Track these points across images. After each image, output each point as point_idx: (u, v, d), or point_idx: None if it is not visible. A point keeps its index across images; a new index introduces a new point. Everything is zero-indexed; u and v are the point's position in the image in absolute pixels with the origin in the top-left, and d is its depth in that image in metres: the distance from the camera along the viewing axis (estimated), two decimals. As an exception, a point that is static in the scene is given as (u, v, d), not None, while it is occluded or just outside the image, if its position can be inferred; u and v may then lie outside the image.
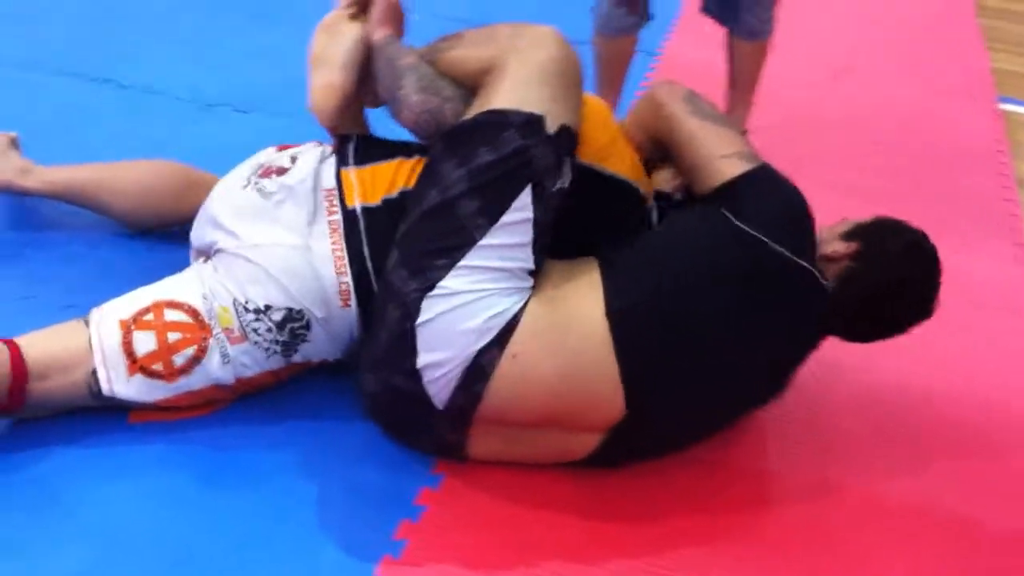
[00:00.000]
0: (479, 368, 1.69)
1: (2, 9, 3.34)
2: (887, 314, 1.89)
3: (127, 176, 2.23)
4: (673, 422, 1.82)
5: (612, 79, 2.87)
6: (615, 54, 2.84)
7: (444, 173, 1.77)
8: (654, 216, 1.98)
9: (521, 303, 1.71)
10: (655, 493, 1.87)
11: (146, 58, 3.12)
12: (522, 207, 1.72)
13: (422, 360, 1.70)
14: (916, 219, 2.72)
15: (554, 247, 1.81)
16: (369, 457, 1.85)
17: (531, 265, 1.74)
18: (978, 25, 4.32)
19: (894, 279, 1.85)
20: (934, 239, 2.58)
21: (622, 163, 1.94)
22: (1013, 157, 3.24)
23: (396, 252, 1.77)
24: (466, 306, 1.68)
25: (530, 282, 1.74)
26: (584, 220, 1.87)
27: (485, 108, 1.79)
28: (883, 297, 1.85)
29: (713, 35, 2.90)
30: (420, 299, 1.69)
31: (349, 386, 1.93)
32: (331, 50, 2.00)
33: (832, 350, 1.95)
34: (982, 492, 1.97)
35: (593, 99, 1.99)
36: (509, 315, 1.70)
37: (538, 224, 1.74)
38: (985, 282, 2.60)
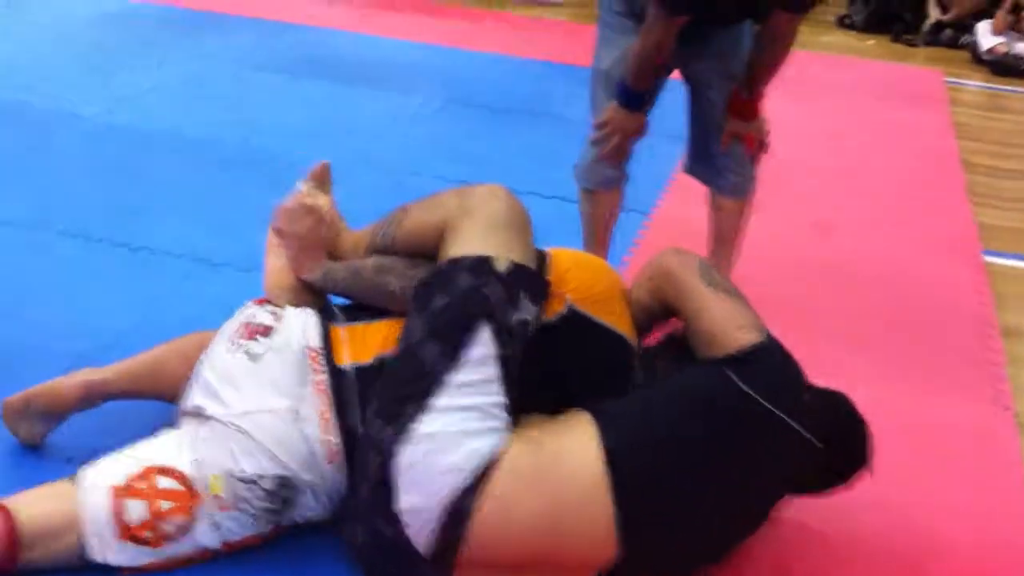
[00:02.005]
0: (459, 511, 1.71)
1: (11, 170, 3.51)
2: (854, 461, 2.01)
3: (172, 360, 2.14)
4: (666, 563, 1.84)
5: (598, 234, 2.97)
6: (600, 209, 2.93)
7: (409, 326, 1.86)
8: (638, 375, 2.03)
9: (500, 443, 1.75)
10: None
11: (151, 218, 3.25)
12: (482, 343, 1.78)
13: (402, 505, 1.73)
14: (901, 369, 2.84)
15: (543, 394, 1.87)
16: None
17: (502, 399, 1.78)
18: (964, 181, 4.44)
19: (856, 435, 2.00)
20: (918, 388, 2.66)
21: (613, 315, 2.02)
22: (996, 308, 3.30)
23: (373, 403, 1.84)
24: (441, 448, 1.72)
25: (505, 419, 1.78)
26: (572, 364, 1.94)
27: (443, 261, 1.90)
28: (852, 448, 1.99)
29: (703, 196, 3.00)
30: (395, 444, 1.74)
31: (335, 539, 1.94)
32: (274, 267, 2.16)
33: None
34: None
35: (597, 259, 2.14)
36: (487, 455, 1.73)
37: (502, 359, 1.79)
38: (965, 430, 2.63)
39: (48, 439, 2.12)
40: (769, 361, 1.91)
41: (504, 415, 1.79)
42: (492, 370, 1.78)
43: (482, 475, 1.72)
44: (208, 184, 3.58)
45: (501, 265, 1.85)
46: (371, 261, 2.08)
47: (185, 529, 1.82)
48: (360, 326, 1.99)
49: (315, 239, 2.15)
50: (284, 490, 1.86)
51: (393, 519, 1.74)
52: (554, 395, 1.91)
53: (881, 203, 4.08)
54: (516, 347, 1.83)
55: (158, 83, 4.57)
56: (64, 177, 3.52)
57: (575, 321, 1.96)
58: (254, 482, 1.84)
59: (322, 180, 2.27)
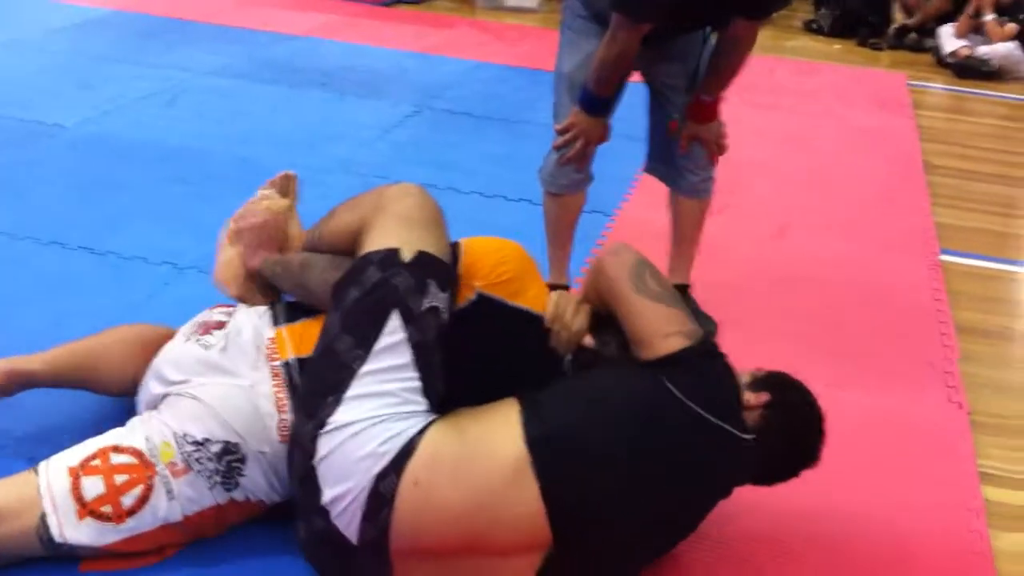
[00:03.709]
0: (379, 495, 1.74)
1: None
2: (799, 454, 2.02)
3: (109, 361, 2.21)
4: (603, 550, 1.85)
5: (560, 236, 3.02)
6: (563, 211, 2.99)
7: (327, 323, 1.93)
8: (567, 359, 2.09)
9: (417, 427, 1.78)
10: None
11: (130, 228, 3.31)
12: (393, 331, 1.84)
13: (326, 496, 1.77)
14: (857, 366, 2.92)
15: (469, 379, 1.90)
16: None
17: (417, 383, 1.82)
18: (926, 182, 4.53)
19: (804, 422, 2.01)
20: (875, 384, 2.73)
21: (526, 296, 2.08)
22: (952, 306, 3.39)
23: (296, 401, 1.91)
24: (358, 435, 1.77)
25: (423, 403, 1.82)
26: (490, 349, 2.01)
27: (356, 258, 1.97)
28: (796, 440, 2.01)
29: (666, 197, 3.06)
30: (316, 437, 1.79)
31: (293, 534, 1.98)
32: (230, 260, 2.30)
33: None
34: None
35: (502, 241, 2.14)
36: (404, 438, 1.76)
37: (415, 344, 1.84)
38: (921, 425, 2.71)
39: (13, 451, 2.15)
40: (695, 364, 1.93)
41: (422, 399, 1.83)
42: (405, 356, 1.83)
43: (401, 459, 1.75)
44: (188, 193, 3.63)
45: (407, 255, 1.92)
46: (299, 257, 2.22)
47: (144, 500, 1.87)
48: (299, 324, 2.08)
49: (265, 236, 2.32)
50: (230, 456, 1.92)
51: (322, 512, 1.79)
52: (481, 383, 1.93)
53: (843, 205, 4.17)
54: (429, 333, 1.88)
55: (139, 93, 4.61)
56: (44, 187, 3.56)
57: (486, 306, 2.02)
58: (202, 444, 1.91)
59: (284, 187, 2.43)
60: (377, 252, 1.94)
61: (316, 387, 1.86)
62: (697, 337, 1.96)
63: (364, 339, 1.84)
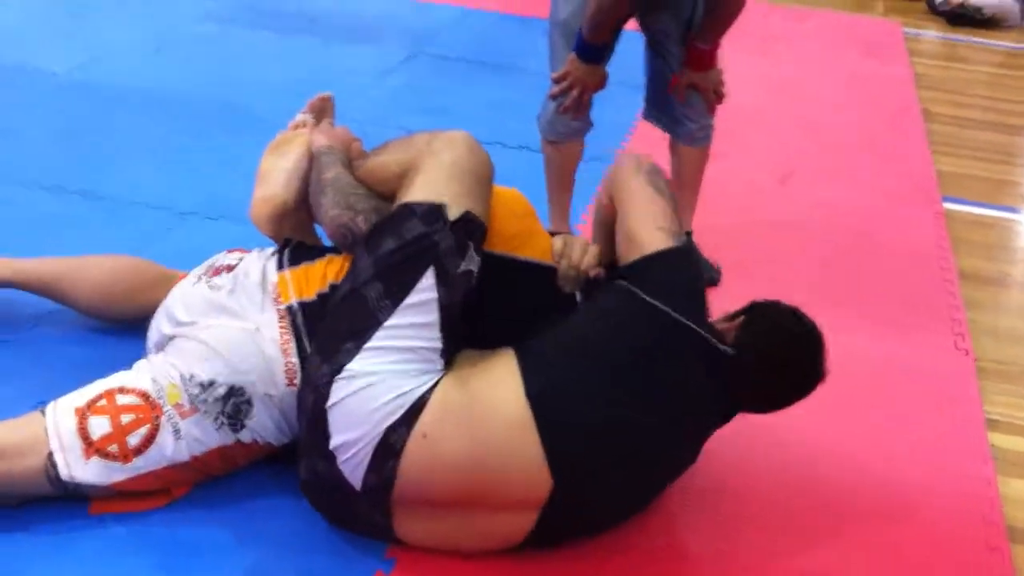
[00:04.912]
0: (388, 446, 1.75)
1: (-20, 126, 3.48)
2: (786, 374, 1.98)
3: (88, 274, 2.32)
4: (602, 495, 1.87)
5: (562, 183, 3.00)
6: (563, 159, 2.96)
7: (358, 266, 1.89)
8: (579, 297, 2.07)
9: (430, 384, 1.78)
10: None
11: (122, 170, 3.26)
12: (426, 288, 1.82)
13: (335, 441, 1.77)
14: (861, 314, 2.91)
15: (478, 334, 1.89)
16: (322, 545, 1.91)
17: (439, 345, 1.81)
18: (924, 130, 4.51)
19: (784, 339, 1.97)
20: (879, 330, 2.71)
21: (535, 250, 2.05)
22: (954, 253, 3.38)
23: (314, 342, 1.89)
24: (373, 386, 1.76)
25: (440, 364, 1.82)
26: (504, 305, 1.98)
27: (398, 204, 1.93)
28: (777, 356, 1.96)
29: (665, 143, 3.03)
30: (330, 382, 1.78)
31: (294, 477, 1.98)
32: (274, 166, 2.20)
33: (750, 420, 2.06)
34: (910, 565, 2.05)
35: (511, 192, 2.11)
36: (416, 395, 1.76)
37: (444, 306, 1.82)
38: (925, 371, 2.71)
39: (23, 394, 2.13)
40: (670, 267, 1.95)
41: (440, 360, 1.82)
42: (432, 316, 1.82)
43: (412, 414, 1.76)
44: (180, 137, 3.57)
45: (453, 213, 1.88)
46: (333, 172, 2.11)
47: (150, 439, 1.86)
48: (302, 268, 2.05)
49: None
50: (236, 398, 1.91)
51: (328, 456, 1.79)
52: (490, 337, 1.93)
53: (843, 152, 4.14)
54: (458, 296, 1.85)
55: (127, 40, 4.51)
56: (35, 132, 3.50)
57: (492, 263, 1.97)
58: (207, 386, 1.90)
59: (321, 109, 2.40)
60: (421, 204, 1.89)
61: (337, 329, 1.84)
62: (680, 239, 1.99)
63: (395, 291, 1.82)
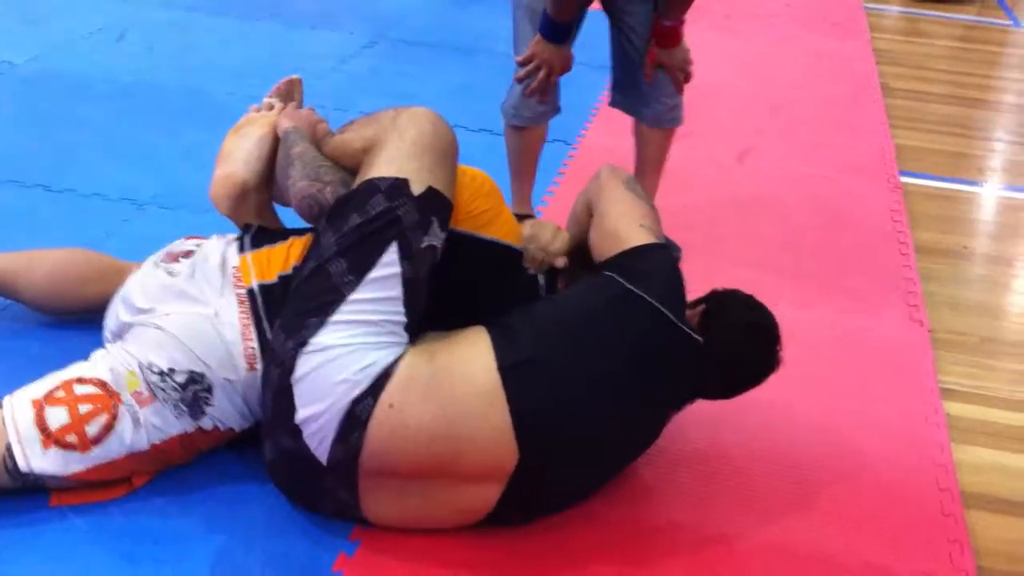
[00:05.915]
0: (354, 417, 1.77)
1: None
2: (747, 367, 2.05)
3: (40, 267, 2.31)
4: (567, 469, 1.89)
5: (524, 168, 3.01)
6: (527, 144, 2.97)
7: (322, 243, 1.90)
8: (541, 280, 2.11)
9: (395, 356, 1.80)
10: (573, 552, 1.95)
11: (86, 163, 3.25)
12: (389, 263, 1.84)
13: (300, 415, 1.79)
14: (820, 287, 2.95)
15: (443, 313, 1.91)
16: (287, 528, 1.92)
17: (403, 319, 1.83)
18: (884, 105, 4.55)
19: (745, 334, 2.02)
20: (838, 303, 2.75)
21: (500, 230, 2.08)
22: (913, 226, 3.42)
23: (278, 319, 1.90)
24: (338, 359, 1.78)
25: (404, 337, 1.84)
26: (466, 283, 2.00)
27: (362, 180, 1.94)
28: (739, 351, 2.02)
29: (628, 124, 3.04)
30: (295, 356, 1.80)
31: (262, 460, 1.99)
32: (236, 146, 2.21)
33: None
34: (867, 530, 2.08)
35: (478, 172, 2.13)
36: (381, 366, 1.79)
37: (407, 280, 1.85)
38: (883, 343, 2.75)
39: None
40: (652, 259, 2.00)
41: (404, 334, 1.84)
42: (396, 290, 1.84)
43: (378, 385, 1.77)
44: (143, 127, 3.56)
45: (417, 188, 1.90)
46: (300, 148, 2.12)
47: (108, 428, 1.86)
48: (264, 251, 2.06)
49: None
50: (195, 386, 1.92)
51: (294, 430, 1.81)
52: (454, 315, 1.95)
53: (803, 128, 4.18)
54: (422, 271, 1.88)
55: (88, 28, 4.48)
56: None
57: (463, 242, 2.00)
58: (165, 374, 1.90)
59: (288, 92, 2.44)
60: (385, 179, 1.91)
61: (302, 304, 1.86)
62: (661, 238, 2.04)
63: (359, 266, 1.84)
